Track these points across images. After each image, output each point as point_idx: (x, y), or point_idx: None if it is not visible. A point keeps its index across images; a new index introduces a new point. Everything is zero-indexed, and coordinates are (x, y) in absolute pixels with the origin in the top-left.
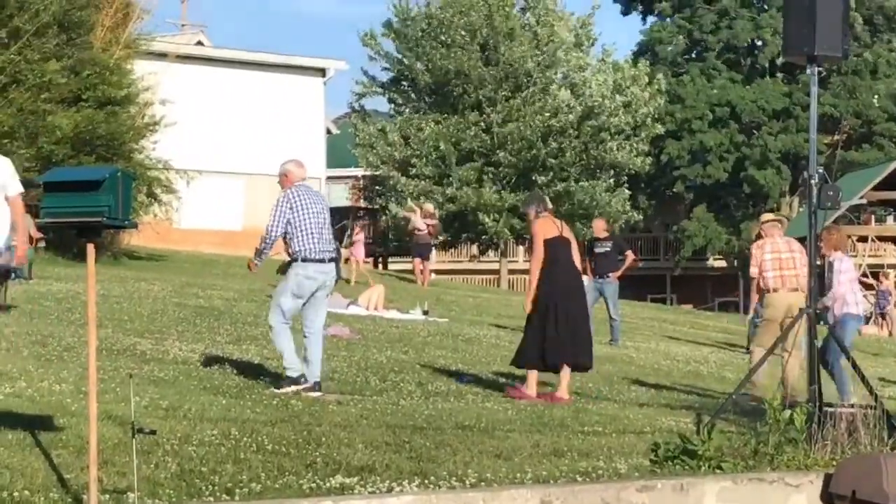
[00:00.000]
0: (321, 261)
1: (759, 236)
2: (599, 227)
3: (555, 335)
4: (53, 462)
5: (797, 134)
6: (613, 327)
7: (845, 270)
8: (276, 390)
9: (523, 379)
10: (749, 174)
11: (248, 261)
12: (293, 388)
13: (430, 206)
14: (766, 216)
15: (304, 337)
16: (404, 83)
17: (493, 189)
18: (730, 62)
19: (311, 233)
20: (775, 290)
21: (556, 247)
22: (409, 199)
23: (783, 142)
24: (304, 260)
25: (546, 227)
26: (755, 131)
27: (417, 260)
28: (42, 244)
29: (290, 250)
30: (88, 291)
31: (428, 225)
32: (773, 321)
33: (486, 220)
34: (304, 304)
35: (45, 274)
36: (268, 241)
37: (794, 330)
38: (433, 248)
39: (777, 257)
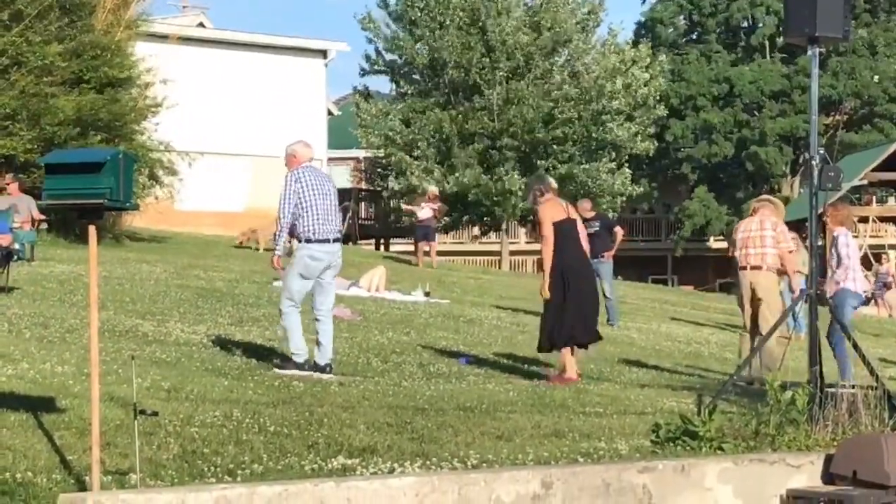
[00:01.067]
0: (326, 241)
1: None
2: (585, 208)
3: (574, 314)
4: (56, 444)
5: (796, 116)
6: (609, 307)
7: (851, 246)
8: (278, 370)
9: (527, 362)
10: (751, 152)
11: (270, 259)
12: (296, 372)
13: (434, 189)
14: (760, 197)
15: (315, 320)
16: (404, 66)
17: (496, 172)
18: (729, 43)
19: (318, 214)
20: (741, 269)
21: (565, 229)
22: (410, 186)
23: (782, 124)
24: (308, 241)
25: (553, 209)
26: (756, 112)
27: (422, 242)
28: (44, 226)
29: (295, 231)
30: (90, 273)
31: (433, 210)
32: (742, 299)
33: (487, 201)
34: (313, 287)
35: (48, 256)
36: (283, 223)
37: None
38: (437, 231)
39: (746, 236)
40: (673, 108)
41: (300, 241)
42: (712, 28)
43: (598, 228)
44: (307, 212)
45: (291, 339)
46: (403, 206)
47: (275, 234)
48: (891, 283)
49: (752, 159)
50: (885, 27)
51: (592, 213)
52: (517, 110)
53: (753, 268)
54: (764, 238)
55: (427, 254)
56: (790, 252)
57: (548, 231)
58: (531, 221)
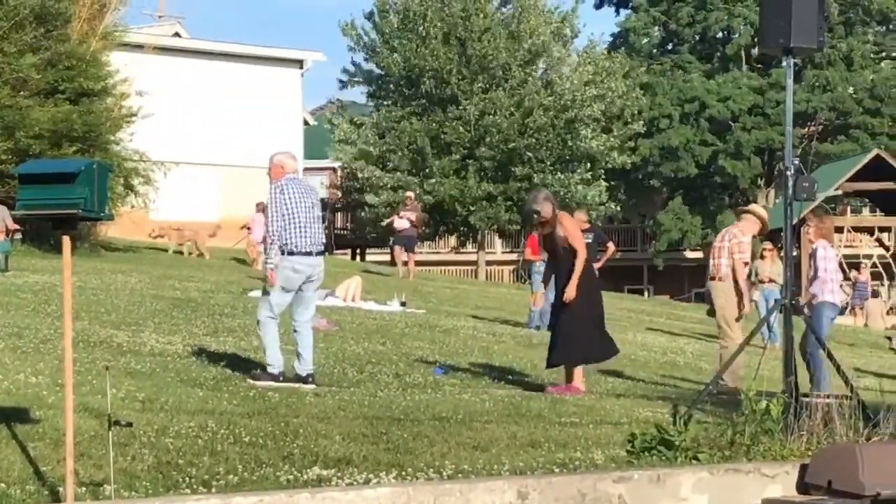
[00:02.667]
0: (308, 253)
1: None
2: (581, 219)
3: (593, 328)
4: (30, 454)
5: (771, 129)
6: None
7: (830, 259)
8: (253, 381)
9: (503, 372)
10: (720, 165)
11: (266, 275)
12: (270, 383)
13: (410, 194)
14: (740, 207)
15: (294, 332)
16: (382, 76)
17: (472, 181)
18: (705, 54)
19: (300, 226)
20: (709, 279)
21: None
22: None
23: (757, 136)
24: (290, 253)
25: (577, 223)
26: (730, 124)
27: (399, 249)
28: (18, 236)
29: (271, 250)
30: (65, 283)
31: (411, 221)
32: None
33: (463, 211)
34: (293, 298)
35: (22, 266)
36: (273, 236)
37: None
38: (417, 240)
39: (713, 247)
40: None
41: (282, 254)
42: (688, 38)
43: (589, 240)
44: (290, 224)
45: (267, 350)
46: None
47: (265, 250)
48: (868, 294)
49: (721, 173)
50: (862, 39)
51: (587, 225)
52: (493, 119)
53: (711, 278)
54: (722, 249)
55: (406, 263)
56: (745, 263)
57: (582, 244)
58: (537, 231)
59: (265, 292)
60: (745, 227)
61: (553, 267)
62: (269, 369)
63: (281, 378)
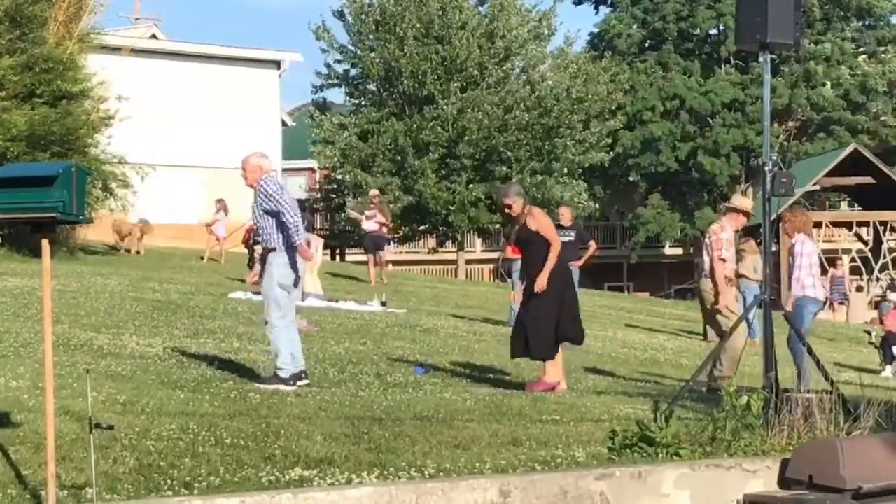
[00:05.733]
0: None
1: None
2: (566, 216)
3: (568, 319)
4: (11, 458)
5: (750, 126)
6: None
7: (806, 254)
8: (260, 385)
9: (484, 371)
10: (698, 161)
11: (301, 252)
12: (280, 387)
13: (375, 191)
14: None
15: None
16: (359, 76)
17: (451, 181)
18: (686, 52)
19: (292, 221)
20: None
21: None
22: (352, 203)
23: (735, 135)
24: (288, 248)
25: (548, 217)
26: (709, 120)
27: (371, 254)
28: None
29: (264, 240)
30: (44, 287)
31: (379, 223)
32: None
33: (443, 210)
34: None
35: (1, 270)
36: (296, 224)
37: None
38: (388, 240)
39: (700, 243)
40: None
41: (273, 251)
42: (671, 35)
43: (571, 238)
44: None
45: (280, 354)
46: (349, 211)
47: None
48: (844, 289)
49: (699, 169)
50: (841, 36)
51: (570, 223)
52: (472, 116)
53: (702, 277)
54: (707, 246)
55: (377, 264)
56: (721, 260)
57: (555, 236)
58: (506, 226)
59: (270, 289)
60: (726, 222)
61: (525, 262)
62: (280, 373)
63: (291, 382)
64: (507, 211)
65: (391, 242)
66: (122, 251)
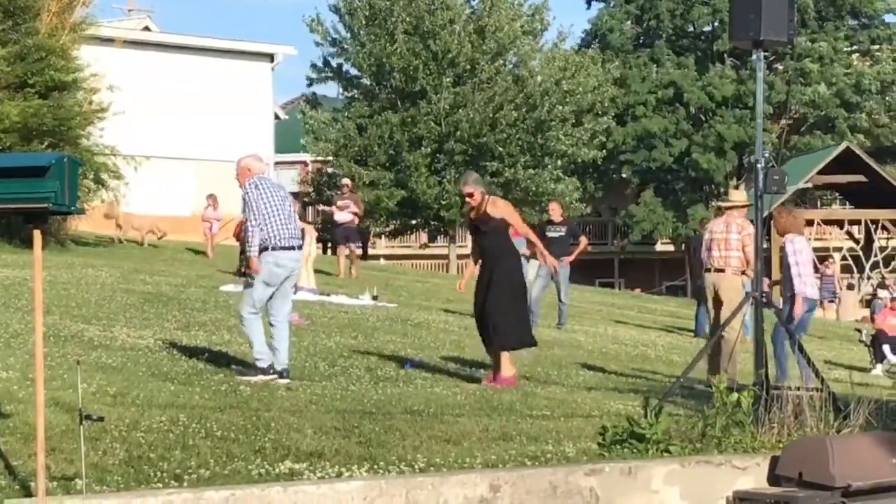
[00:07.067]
0: (290, 248)
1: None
2: (556, 212)
3: (511, 315)
4: (0, 449)
5: (750, 123)
6: (562, 311)
7: (797, 252)
8: (242, 377)
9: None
10: (693, 159)
11: (245, 263)
12: (260, 377)
13: (347, 181)
14: (724, 198)
15: (271, 325)
16: (351, 71)
17: (442, 176)
18: (681, 48)
19: (280, 220)
20: (705, 271)
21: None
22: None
23: (736, 131)
24: (273, 248)
25: (512, 206)
26: (705, 118)
27: (343, 246)
28: None
29: (253, 240)
30: (35, 277)
31: (353, 213)
32: (707, 301)
33: (434, 205)
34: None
35: None
36: (254, 229)
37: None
38: (360, 233)
39: (711, 238)
40: (616, 114)
41: (264, 250)
42: (667, 30)
43: (562, 234)
44: (270, 219)
45: (254, 345)
46: (322, 209)
47: (242, 249)
48: (835, 287)
49: (694, 167)
50: (834, 35)
51: (561, 219)
52: (464, 113)
53: (717, 270)
54: (729, 241)
55: (349, 257)
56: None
57: (522, 223)
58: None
59: (248, 286)
60: (743, 216)
61: (480, 250)
62: (258, 364)
63: (270, 370)
64: (467, 200)
65: (365, 233)
66: (120, 242)
